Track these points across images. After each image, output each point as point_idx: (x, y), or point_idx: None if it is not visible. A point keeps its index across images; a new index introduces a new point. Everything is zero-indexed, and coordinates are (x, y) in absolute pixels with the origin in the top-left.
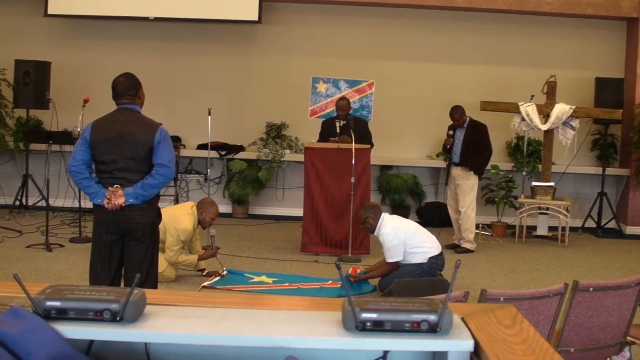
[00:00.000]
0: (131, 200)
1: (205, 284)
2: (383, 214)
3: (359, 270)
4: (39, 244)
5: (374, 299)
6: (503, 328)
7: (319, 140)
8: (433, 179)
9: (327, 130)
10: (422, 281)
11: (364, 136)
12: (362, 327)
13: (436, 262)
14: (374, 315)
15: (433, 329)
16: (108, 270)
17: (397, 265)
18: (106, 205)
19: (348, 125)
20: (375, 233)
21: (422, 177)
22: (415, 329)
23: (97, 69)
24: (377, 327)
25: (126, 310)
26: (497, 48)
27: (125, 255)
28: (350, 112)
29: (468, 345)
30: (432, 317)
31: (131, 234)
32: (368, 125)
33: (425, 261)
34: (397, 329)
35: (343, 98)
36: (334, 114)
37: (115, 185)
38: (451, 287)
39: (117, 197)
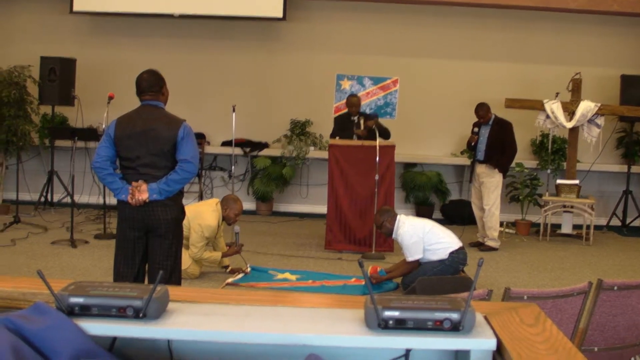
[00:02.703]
0: (155, 195)
1: (229, 280)
2: (398, 216)
3: (378, 269)
4: (63, 240)
5: (396, 297)
6: (526, 327)
7: (332, 135)
8: (457, 176)
9: (341, 126)
10: (445, 279)
11: (385, 131)
12: (385, 325)
13: (457, 257)
14: (396, 314)
15: (455, 328)
16: (131, 266)
17: (417, 263)
18: (130, 201)
19: (364, 118)
20: (393, 236)
21: (446, 174)
22: (437, 327)
23: (122, 66)
24: (400, 325)
25: (149, 307)
26: (522, 45)
27: (149, 251)
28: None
29: (491, 344)
30: (454, 316)
31: (155, 230)
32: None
33: (446, 257)
34: (420, 327)
35: (354, 95)
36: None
37: (139, 181)
38: (474, 286)
39: (141, 193)
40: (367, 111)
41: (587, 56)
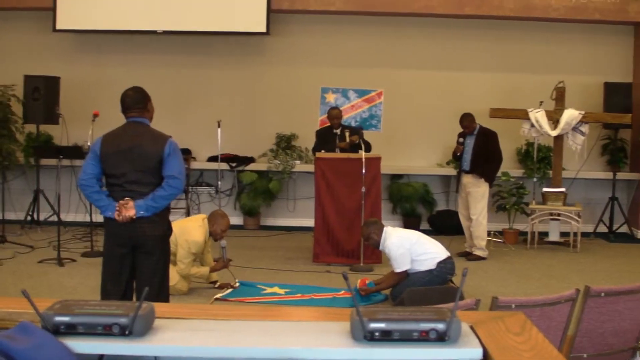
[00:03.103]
0: (141, 212)
1: (218, 296)
2: (385, 228)
3: (367, 282)
4: (51, 259)
5: (382, 309)
6: (512, 335)
7: (314, 149)
8: (444, 187)
9: (323, 140)
10: (434, 289)
11: (367, 144)
12: (371, 337)
13: (445, 267)
14: (382, 325)
15: (441, 338)
16: (118, 283)
17: (405, 274)
18: (116, 218)
19: (349, 131)
20: (381, 247)
21: (432, 185)
22: (423, 338)
23: (106, 83)
24: (386, 337)
25: (135, 324)
26: (506, 55)
27: (137, 268)
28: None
29: (477, 353)
30: (440, 326)
31: (141, 246)
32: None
33: (434, 267)
34: (406, 338)
35: (335, 107)
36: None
37: (126, 198)
38: (458, 295)
39: (128, 209)
40: (353, 124)
41: (570, 64)
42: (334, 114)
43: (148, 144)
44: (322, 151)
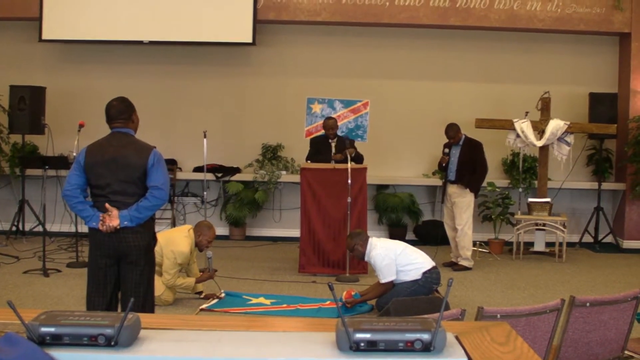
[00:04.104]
0: (125, 222)
1: (203, 306)
2: (370, 239)
3: (353, 293)
4: (36, 269)
5: (367, 319)
6: (497, 345)
7: (308, 157)
8: (430, 197)
9: (318, 149)
10: (420, 300)
11: (358, 155)
12: (356, 348)
13: (431, 277)
14: (367, 336)
15: (427, 348)
16: (103, 294)
17: (391, 285)
18: (100, 228)
19: (342, 142)
20: (366, 258)
21: (418, 195)
22: (409, 348)
23: (92, 94)
24: (371, 347)
25: (120, 334)
26: (491, 65)
27: (122, 279)
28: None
29: None
30: (425, 336)
31: (126, 257)
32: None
33: (419, 277)
34: (391, 348)
35: (330, 117)
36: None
37: (110, 207)
38: (443, 306)
39: (112, 219)
40: (338, 134)
41: (555, 75)
42: (330, 124)
43: (132, 154)
44: (308, 161)
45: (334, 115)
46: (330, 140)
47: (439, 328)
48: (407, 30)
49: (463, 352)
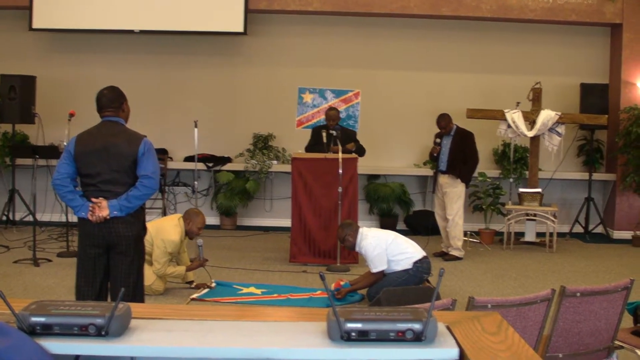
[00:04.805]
0: (115, 212)
1: (194, 296)
2: (361, 229)
3: (342, 283)
4: (26, 259)
5: (359, 309)
6: (488, 335)
7: (307, 146)
8: (421, 187)
9: (318, 140)
10: (410, 289)
11: (359, 148)
12: (347, 337)
13: (421, 266)
14: (358, 325)
15: (418, 338)
16: (92, 284)
17: (382, 274)
18: (90, 218)
19: (335, 135)
20: (357, 248)
21: (409, 185)
22: (400, 338)
23: (82, 83)
24: (362, 337)
25: (111, 324)
26: (483, 55)
27: (111, 269)
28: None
29: (453, 353)
30: (416, 326)
31: (115, 247)
32: (356, 134)
33: (410, 267)
34: (382, 338)
35: (332, 108)
36: (323, 123)
37: (100, 198)
38: (435, 296)
39: (101, 210)
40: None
41: (546, 65)
42: (331, 115)
43: (122, 143)
44: (299, 151)
45: (325, 105)
46: (330, 131)
47: (430, 318)
48: (399, 20)
49: (454, 341)
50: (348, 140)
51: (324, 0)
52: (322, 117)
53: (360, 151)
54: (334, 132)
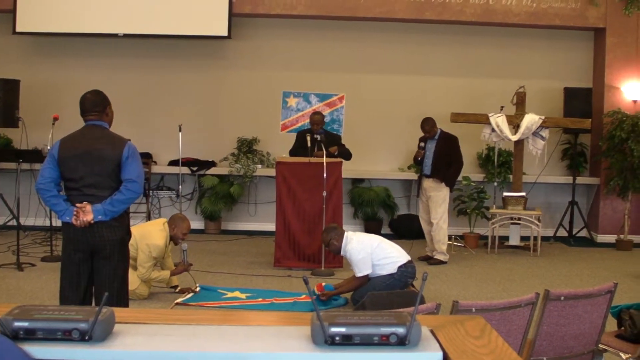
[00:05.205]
0: (100, 217)
1: (179, 300)
2: (346, 233)
3: (324, 284)
4: (10, 263)
5: (343, 313)
6: (472, 339)
7: (291, 150)
8: (405, 191)
9: (302, 144)
10: (395, 294)
11: (344, 152)
12: (331, 342)
13: (406, 270)
14: (342, 330)
15: (402, 342)
16: (77, 289)
17: (367, 278)
18: (74, 222)
19: (320, 139)
20: (342, 253)
21: (394, 189)
22: (384, 342)
23: (66, 87)
24: (346, 341)
25: (95, 329)
26: (467, 60)
27: (95, 274)
28: (323, 126)
29: (437, 357)
30: (400, 330)
31: (100, 251)
32: (341, 138)
33: (395, 271)
34: (366, 342)
35: (317, 112)
36: (307, 127)
37: (84, 202)
38: (418, 300)
39: (85, 214)
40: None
41: (530, 69)
42: (315, 119)
43: (106, 147)
44: (283, 155)
45: (309, 109)
46: (315, 135)
47: (414, 322)
48: (383, 25)
49: (438, 345)
50: (333, 145)
51: (308, 4)
52: (307, 121)
53: (347, 155)
54: (318, 137)
